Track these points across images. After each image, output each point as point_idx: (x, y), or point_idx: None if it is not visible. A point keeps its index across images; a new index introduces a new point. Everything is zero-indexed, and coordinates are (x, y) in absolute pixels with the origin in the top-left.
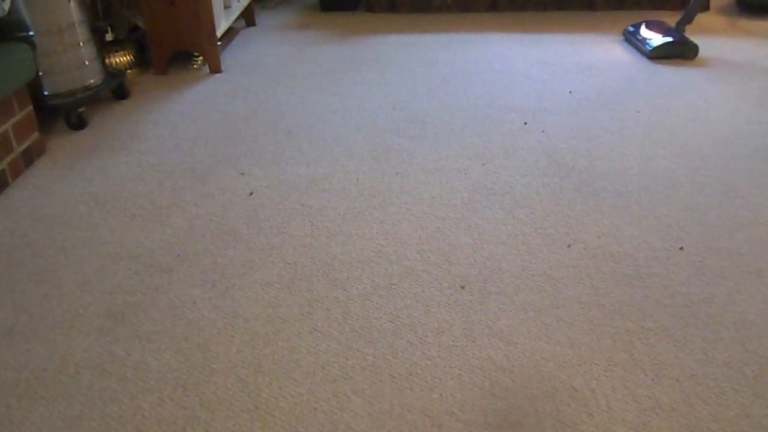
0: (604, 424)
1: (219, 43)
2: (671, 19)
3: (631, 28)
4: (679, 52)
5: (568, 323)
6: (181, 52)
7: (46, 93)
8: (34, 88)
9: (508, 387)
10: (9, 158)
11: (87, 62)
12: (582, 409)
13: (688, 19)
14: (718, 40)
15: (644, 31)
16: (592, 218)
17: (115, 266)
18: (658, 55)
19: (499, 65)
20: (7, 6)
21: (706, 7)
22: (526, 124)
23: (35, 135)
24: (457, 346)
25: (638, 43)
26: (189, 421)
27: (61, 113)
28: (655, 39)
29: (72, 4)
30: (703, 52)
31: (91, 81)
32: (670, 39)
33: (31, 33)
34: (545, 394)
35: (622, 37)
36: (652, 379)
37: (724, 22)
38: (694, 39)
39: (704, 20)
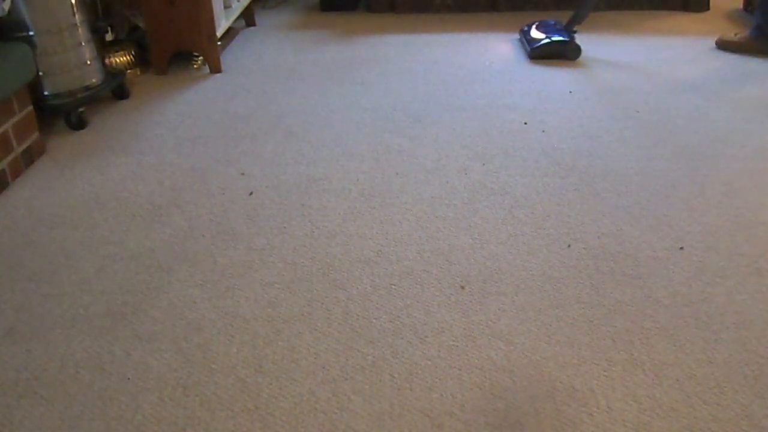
0: (604, 424)
1: (219, 43)
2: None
3: (525, 28)
4: (561, 52)
5: (568, 323)
6: (181, 52)
7: (46, 93)
8: (34, 88)
9: (508, 387)
10: (9, 158)
11: (87, 62)
12: (582, 409)
13: (578, 20)
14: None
15: (533, 31)
16: (592, 218)
17: (115, 266)
18: (538, 55)
19: (498, 65)
20: (7, 6)
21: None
22: (526, 124)
23: (35, 135)
24: (457, 346)
25: (525, 43)
26: (189, 421)
27: (61, 113)
28: (540, 39)
29: (72, 4)
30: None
31: (91, 81)
32: (552, 39)
33: (31, 33)
34: (545, 394)
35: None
36: (652, 379)
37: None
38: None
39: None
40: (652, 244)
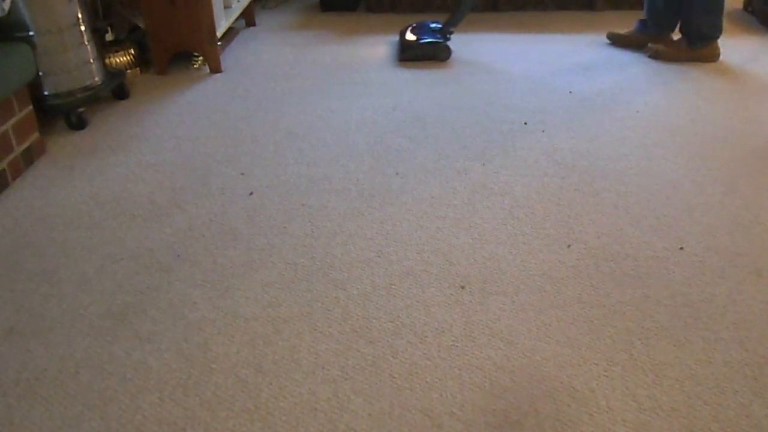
0: (604, 424)
1: (219, 43)
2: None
3: (403, 30)
4: (432, 53)
5: (568, 323)
6: (181, 52)
7: (46, 93)
8: (34, 88)
9: (508, 387)
10: (9, 158)
11: (87, 62)
12: (582, 409)
13: (454, 22)
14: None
15: (407, 34)
16: (592, 218)
17: (115, 266)
18: (409, 57)
19: (499, 65)
20: (7, 6)
21: None
22: (526, 124)
23: (35, 135)
24: (457, 346)
25: (399, 46)
26: (189, 421)
27: (61, 113)
28: (411, 41)
29: (72, 4)
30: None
31: (91, 81)
32: (422, 41)
33: (31, 33)
34: (545, 394)
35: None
36: (652, 379)
37: None
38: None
39: None
40: (652, 244)
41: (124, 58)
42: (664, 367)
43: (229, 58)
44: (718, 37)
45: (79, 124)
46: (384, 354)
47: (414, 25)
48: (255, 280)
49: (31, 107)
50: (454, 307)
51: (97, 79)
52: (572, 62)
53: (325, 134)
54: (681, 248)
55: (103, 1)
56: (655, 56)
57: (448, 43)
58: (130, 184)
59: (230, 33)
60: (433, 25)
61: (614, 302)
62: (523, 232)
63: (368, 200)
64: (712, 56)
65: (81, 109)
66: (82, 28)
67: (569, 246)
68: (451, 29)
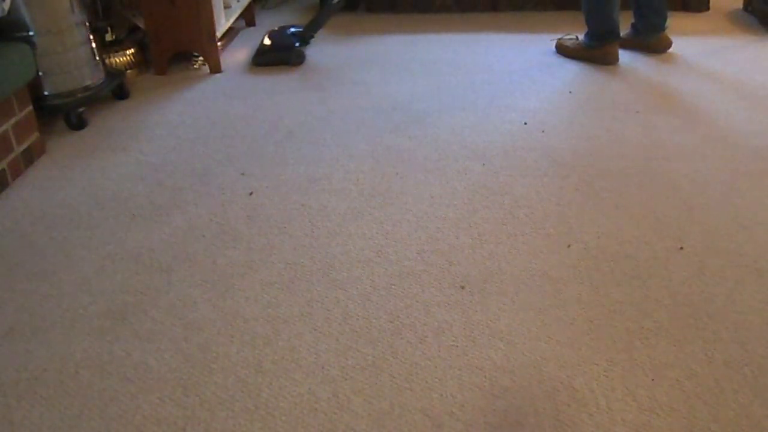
0: (604, 424)
1: (219, 43)
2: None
3: (264, 35)
4: (286, 58)
5: (568, 323)
6: (181, 52)
7: (46, 93)
8: (34, 88)
9: (508, 387)
10: (9, 158)
11: (87, 62)
12: (582, 409)
13: (315, 25)
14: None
15: (265, 39)
16: (592, 218)
17: (115, 266)
18: (262, 62)
19: (499, 65)
20: (7, 6)
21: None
22: (526, 124)
23: (35, 135)
24: (457, 346)
25: (256, 51)
26: (189, 421)
27: (61, 113)
28: (266, 46)
29: (72, 4)
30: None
31: (91, 81)
32: (274, 46)
33: (31, 33)
34: (545, 394)
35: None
36: (652, 379)
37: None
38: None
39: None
40: (652, 244)
41: (124, 58)
42: (664, 367)
43: (229, 58)
44: (607, 39)
45: (79, 124)
46: (384, 354)
47: (275, 29)
48: (255, 280)
49: (31, 107)
50: (454, 307)
51: (97, 79)
52: (572, 62)
53: (325, 134)
54: (681, 248)
55: (103, 1)
56: (558, 49)
57: (306, 48)
58: (130, 184)
59: (230, 33)
60: (292, 30)
61: (614, 302)
62: (523, 232)
63: (368, 200)
64: (602, 57)
65: (81, 109)
66: (82, 28)
67: (569, 246)
68: (312, 34)
